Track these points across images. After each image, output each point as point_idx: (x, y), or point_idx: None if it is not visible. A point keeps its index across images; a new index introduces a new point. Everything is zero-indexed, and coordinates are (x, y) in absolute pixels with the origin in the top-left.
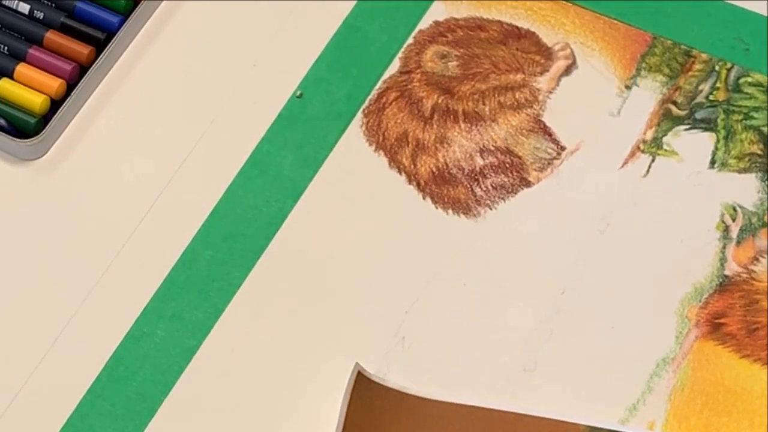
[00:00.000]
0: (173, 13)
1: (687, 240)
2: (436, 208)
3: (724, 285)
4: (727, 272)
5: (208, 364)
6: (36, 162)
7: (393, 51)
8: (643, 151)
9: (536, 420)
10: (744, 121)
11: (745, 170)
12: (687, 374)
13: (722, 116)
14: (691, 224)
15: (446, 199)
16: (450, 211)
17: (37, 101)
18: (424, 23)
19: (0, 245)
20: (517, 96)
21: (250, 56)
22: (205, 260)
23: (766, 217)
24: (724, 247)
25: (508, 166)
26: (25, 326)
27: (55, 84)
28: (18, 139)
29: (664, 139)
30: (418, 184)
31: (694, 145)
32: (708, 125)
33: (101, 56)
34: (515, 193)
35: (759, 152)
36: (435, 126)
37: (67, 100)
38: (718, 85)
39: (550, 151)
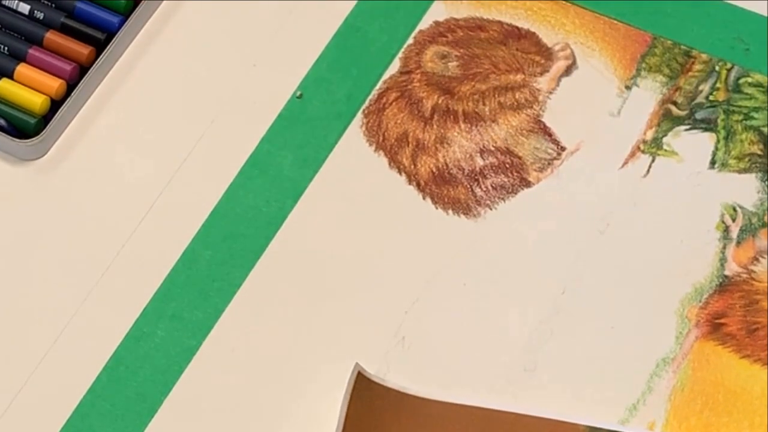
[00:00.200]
0: (173, 13)
1: (687, 240)
2: (436, 208)
3: (724, 285)
4: (727, 272)
5: (208, 364)
6: (36, 162)
7: (393, 51)
8: (643, 152)
9: (536, 420)
10: (744, 122)
11: (745, 170)
12: (687, 374)
13: (722, 116)
14: (691, 224)
15: (446, 200)
16: (450, 211)
17: (37, 101)
18: (424, 23)
19: (0, 245)
20: (517, 96)
21: (250, 56)
22: (205, 260)
23: (766, 218)
24: (724, 248)
25: (508, 166)
26: (25, 326)
27: (55, 84)
28: (18, 140)
29: (664, 139)
30: (418, 185)
31: (694, 145)
32: (708, 125)
33: (101, 56)
34: (515, 194)
35: (759, 152)
36: (435, 126)
37: (67, 100)
38: (718, 85)
39: (550, 151)
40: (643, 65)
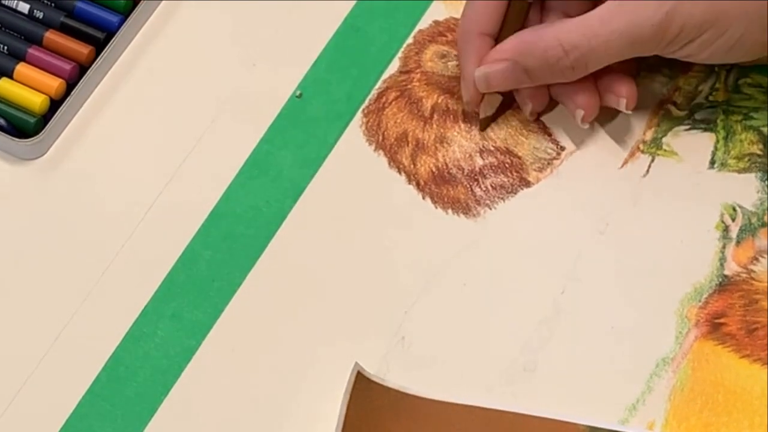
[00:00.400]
0: (173, 13)
1: (687, 240)
2: (436, 208)
3: (724, 285)
4: (726, 272)
5: (208, 364)
6: (36, 162)
7: (393, 51)
8: (642, 152)
9: (536, 420)
10: (744, 122)
11: (744, 170)
12: (687, 374)
13: (722, 116)
14: (691, 224)
15: (446, 199)
16: (450, 211)
17: (36, 101)
18: (424, 23)
19: (0, 245)
20: None
21: (250, 56)
22: (205, 260)
23: (765, 217)
24: (723, 247)
25: (507, 166)
26: (25, 326)
27: (54, 84)
28: (18, 139)
29: (664, 139)
30: (418, 184)
31: (693, 145)
32: (707, 125)
33: (101, 56)
34: (515, 193)
35: (759, 152)
36: (435, 126)
37: (67, 100)
38: (717, 85)
39: (549, 151)
40: (643, 65)
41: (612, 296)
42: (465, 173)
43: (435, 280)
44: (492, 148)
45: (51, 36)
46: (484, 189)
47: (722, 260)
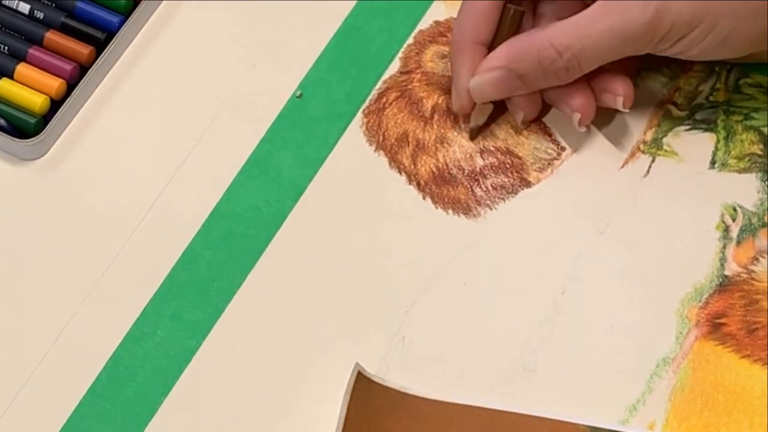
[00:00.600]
0: (173, 13)
1: (687, 240)
2: (436, 208)
3: (724, 285)
4: (727, 272)
5: (208, 364)
6: (36, 162)
7: (393, 51)
8: (643, 152)
9: (536, 420)
10: (744, 122)
11: (745, 170)
12: (687, 374)
13: (722, 117)
14: (691, 224)
15: (446, 199)
16: (450, 211)
17: (37, 101)
18: (424, 23)
19: (0, 245)
20: None
21: (250, 56)
22: (205, 260)
23: (766, 217)
24: (724, 247)
25: (508, 166)
26: (25, 326)
27: (55, 84)
28: (18, 139)
29: (664, 139)
30: (418, 184)
31: (694, 145)
32: (708, 126)
33: (101, 56)
34: (515, 194)
35: (759, 152)
36: (435, 126)
37: (67, 100)
38: (718, 85)
39: (550, 151)
40: (644, 65)
41: (612, 296)
42: (465, 173)
43: (435, 280)
44: (492, 149)
45: (51, 36)
46: (484, 189)
47: (723, 260)
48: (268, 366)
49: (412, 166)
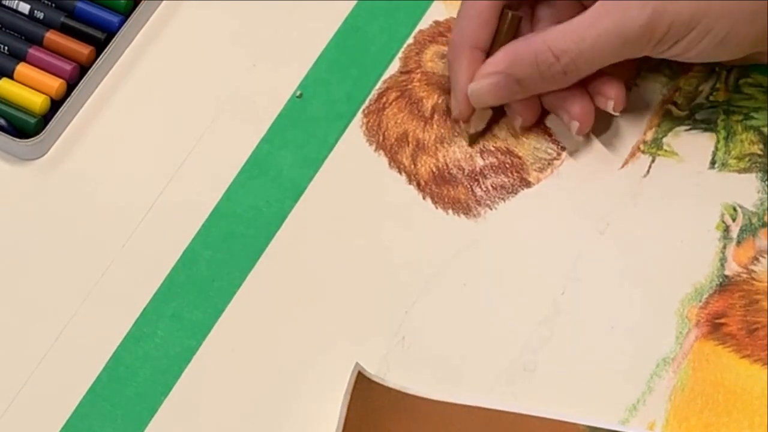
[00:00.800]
0: (173, 13)
1: (687, 240)
2: (436, 208)
3: (724, 285)
4: (727, 272)
5: (208, 364)
6: (36, 162)
7: (393, 51)
8: (643, 152)
9: (536, 420)
10: (744, 122)
11: (745, 170)
12: (687, 374)
13: (722, 117)
14: (691, 224)
15: (446, 199)
16: (450, 211)
17: (37, 101)
18: (424, 23)
19: (0, 245)
20: None
21: (250, 56)
22: (205, 260)
23: (766, 217)
24: (724, 247)
25: (508, 166)
26: (25, 326)
27: (55, 84)
28: (18, 139)
29: (664, 139)
30: (418, 184)
31: (694, 145)
32: (708, 126)
33: (101, 56)
34: (515, 194)
35: (759, 152)
36: (435, 126)
37: (67, 100)
38: (718, 85)
39: (550, 151)
40: (644, 65)
41: (612, 296)
42: (465, 173)
43: (435, 280)
44: (492, 149)
45: (51, 36)
46: (484, 189)
47: (723, 260)
48: (268, 366)
49: (412, 166)
